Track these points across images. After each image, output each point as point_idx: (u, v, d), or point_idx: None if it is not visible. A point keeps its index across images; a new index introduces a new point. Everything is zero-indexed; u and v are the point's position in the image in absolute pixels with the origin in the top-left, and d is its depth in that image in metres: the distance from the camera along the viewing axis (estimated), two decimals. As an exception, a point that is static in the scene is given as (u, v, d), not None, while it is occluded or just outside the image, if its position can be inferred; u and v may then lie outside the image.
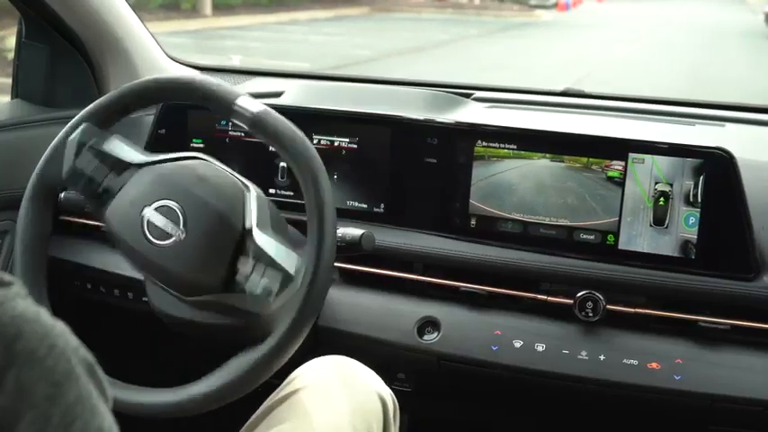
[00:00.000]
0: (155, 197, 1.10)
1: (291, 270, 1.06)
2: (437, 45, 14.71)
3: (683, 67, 11.90)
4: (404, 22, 19.20)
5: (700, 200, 1.28)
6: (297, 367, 1.21)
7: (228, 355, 1.08)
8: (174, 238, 1.08)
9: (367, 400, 1.16)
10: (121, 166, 1.16)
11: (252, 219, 1.09)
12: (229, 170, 1.15)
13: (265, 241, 1.08)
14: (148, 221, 1.10)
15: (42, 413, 0.46)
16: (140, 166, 1.15)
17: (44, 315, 0.50)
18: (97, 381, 0.52)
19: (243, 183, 1.13)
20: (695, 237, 1.29)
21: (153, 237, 1.09)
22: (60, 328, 0.50)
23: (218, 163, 1.15)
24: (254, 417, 1.15)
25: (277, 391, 1.16)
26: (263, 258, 1.07)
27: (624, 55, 13.90)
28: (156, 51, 1.90)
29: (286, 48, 12.84)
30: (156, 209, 1.10)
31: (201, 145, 1.56)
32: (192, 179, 1.11)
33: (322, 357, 1.22)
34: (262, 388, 1.12)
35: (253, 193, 1.12)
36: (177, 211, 1.09)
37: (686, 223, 1.29)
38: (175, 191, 1.10)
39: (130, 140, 1.21)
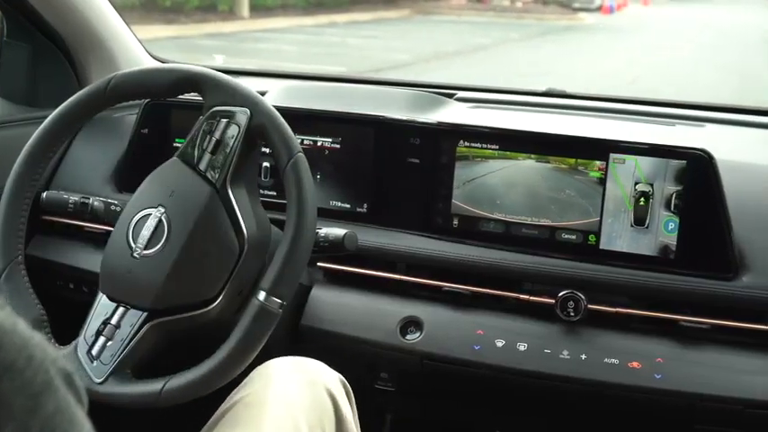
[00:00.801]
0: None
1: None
2: (476, 49, 14.33)
3: (731, 76, 11.31)
4: (444, 25, 18.75)
5: (679, 200, 1.29)
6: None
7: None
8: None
9: (317, 398, 1.15)
10: None
11: None
12: None
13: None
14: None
15: (22, 425, 0.46)
16: None
17: (21, 326, 0.49)
18: (75, 390, 0.52)
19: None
20: (675, 237, 1.30)
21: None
22: (38, 339, 0.50)
23: None
24: (210, 421, 1.15)
25: (230, 396, 1.17)
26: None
27: (670, 60, 13.38)
28: (139, 50, 1.90)
29: (322, 51, 12.59)
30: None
31: (184, 145, 1.56)
32: None
33: (274, 360, 1.22)
34: (221, 389, 1.14)
35: None
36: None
37: (666, 224, 1.30)
38: None
39: (114, 140, 1.24)
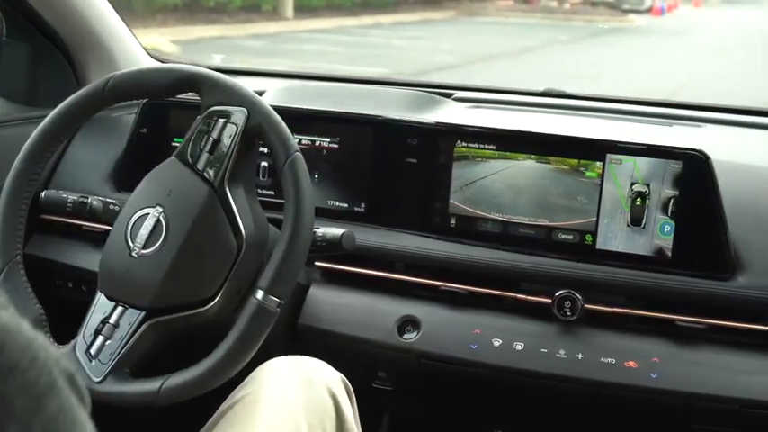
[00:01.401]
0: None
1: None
2: (522, 51, 13.63)
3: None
4: (490, 27, 17.89)
5: (676, 201, 1.30)
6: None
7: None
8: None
9: (317, 397, 1.16)
10: None
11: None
12: None
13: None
14: None
15: (24, 425, 0.46)
16: None
17: (25, 326, 0.49)
18: (78, 391, 0.52)
19: None
20: (672, 237, 1.31)
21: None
22: (42, 340, 0.50)
23: None
24: (210, 421, 1.15)
25: (230, 397, 1.17)
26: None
27: (722, 65, 12.46)
28: (137, 50, 1.90)
29: (366, 53, 12.19)
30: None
31: (183, 144, 1.56)
32: None
33: (274, 359, 1.22)
34: (222, 389, 1.15)
35: None
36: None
37: (663, 225, 1.31)
38: None
39: (112, 140, 1.24)
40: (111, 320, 1.17)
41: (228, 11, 13.47)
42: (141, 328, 1.15)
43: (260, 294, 1.10)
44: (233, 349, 1.10)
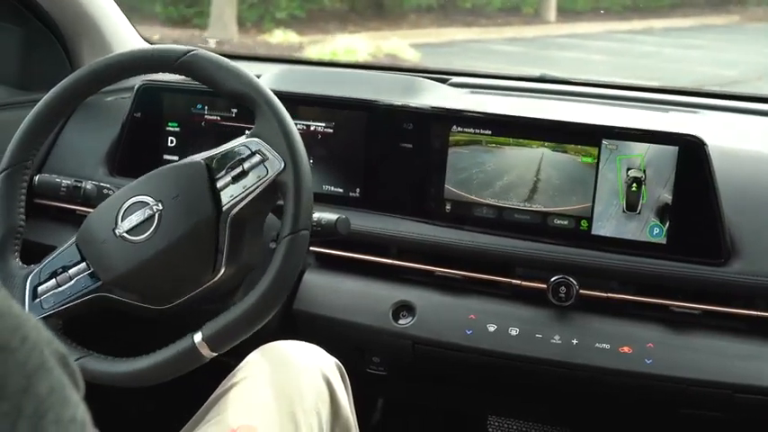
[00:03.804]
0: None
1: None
2: None
3: None
4: None
5: (672, 186, 1.30)
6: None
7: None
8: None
9: (312, 382, 1.16)
10: None
11: None
12: None
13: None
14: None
15: (15, 405, 0.46)
16: None
17: (16, 307, 0.49)
18: (70, 371, 0.52)
19: None
20: (667, 223, 1.31)
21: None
22: (33, 321, 0.50)
23: None
24: (205, 405, 1.16)
25: (224, 381, 1.17)
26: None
27: None
28: (131, 33, 1.89)
29: (632, 63, 10.50)
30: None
31: (177, 128, 1.56)
32: None
33: (268, 344, 1.22)
34: (217, 373, 1.15)
35: None
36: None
37: (658, 210, 1.31)
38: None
39: (106, 124, 1.24)
40: (71, 272, 1.18)
41: (486, 12, 12.37)
42: (91, 295, 1.16)
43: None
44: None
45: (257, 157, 1.14)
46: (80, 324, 1.20)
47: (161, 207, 1.15)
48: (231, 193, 1.14)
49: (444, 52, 9.55)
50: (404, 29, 9.94)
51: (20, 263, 1.23)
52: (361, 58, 7.34)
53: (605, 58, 10.48)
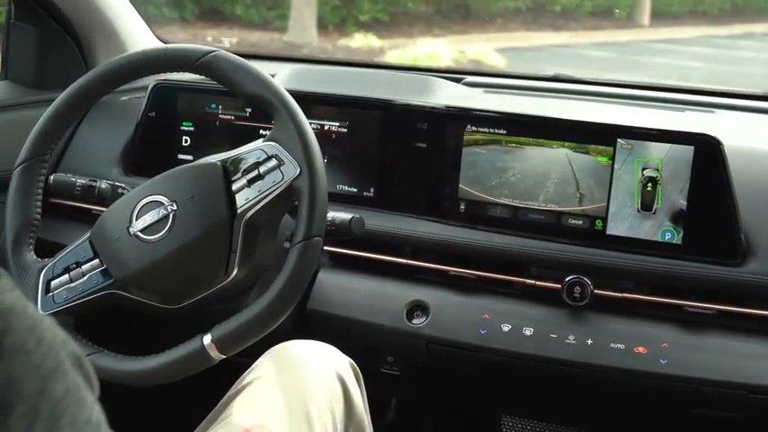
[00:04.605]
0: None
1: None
2: None
3: None
4: None
5: (687, 186, 1.29)
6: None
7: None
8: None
9: (326, 381, 1.16)
10: None
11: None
12: None
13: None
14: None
15: (32, 407, 0.46)
16: None
17: (32, 309, 0.49)
18: (85, 373, 0.52)
19: None
20: (682, 222, 1.30)
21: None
22: (48, 322, 0.50)
23: None
24: (219, 403, 1.16)
25: (239, 380, 1.17)
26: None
27: None
28: (146, 32, 1.89)
29: (730, 70, 9.68)
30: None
31: (191, 128, 1.56)
32: None
33: (283, 343, 1.22)
34: (231, 372, 1.15)
35: None
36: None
37: (674, 210, 1.30)
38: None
39: (121, 123, 1.24)
40: (84, 268, 1.18)
41: (576, 16, 11.78)
42: (103, 292, 1.17)
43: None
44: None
45: (273, 162, 1.14)
46: (90, 321, 1.21)
47: (176, 207, 1.15)
48: (246, 197, 1.14)
49: (532, 57, 9.18)
50: (490, 32, 9.63)
51: (34, 256, 1.23)
52: (444, 63, 7.09)
53: (701, 65, 9.75)
